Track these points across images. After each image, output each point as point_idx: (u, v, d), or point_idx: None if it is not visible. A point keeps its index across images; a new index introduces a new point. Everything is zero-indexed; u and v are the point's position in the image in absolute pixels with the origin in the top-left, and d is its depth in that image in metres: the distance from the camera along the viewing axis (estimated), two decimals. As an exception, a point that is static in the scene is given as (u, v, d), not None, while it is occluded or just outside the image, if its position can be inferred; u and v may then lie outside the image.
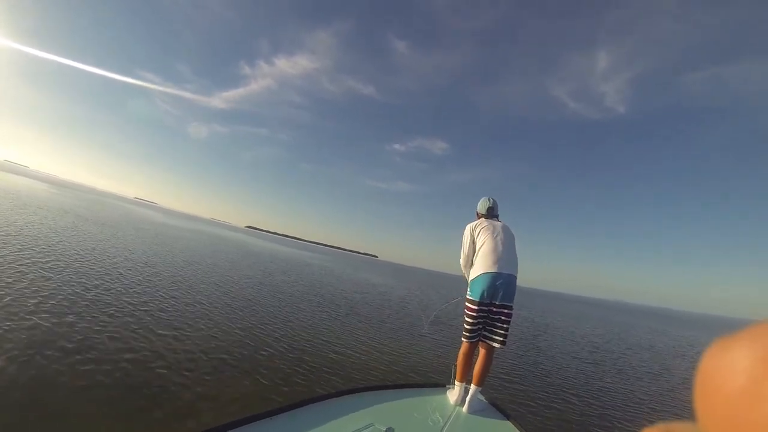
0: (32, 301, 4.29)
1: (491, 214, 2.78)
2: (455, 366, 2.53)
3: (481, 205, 2.87)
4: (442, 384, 2.69)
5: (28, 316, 3.77)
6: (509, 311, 2.34)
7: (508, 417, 2.28)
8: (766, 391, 0.20)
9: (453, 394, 2.42)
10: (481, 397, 2.52)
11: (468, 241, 2.60)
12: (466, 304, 2.44)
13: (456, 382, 2.45)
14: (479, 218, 2.81)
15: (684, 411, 5.30)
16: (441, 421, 2.11)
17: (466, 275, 2.62)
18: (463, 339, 2.47)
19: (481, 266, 2.40)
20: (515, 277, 2.40)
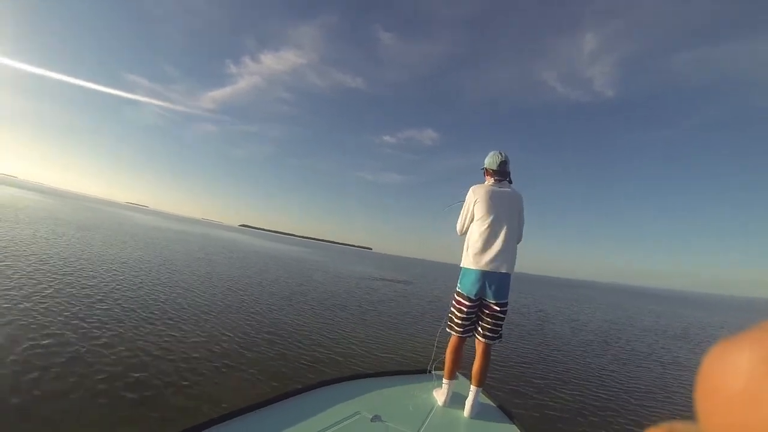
0: (21, 306, 4.23)
1: (502, 171, 2.30)
2: (442, 361, 2.35)
3: (491, 160, 2.33)
4: (427, 370, 2.67)
5: (12, 317, 3.79)
6: (504, 308, 2.16)
7: (512, 419, 2.15)
8: (766, 392, 0.20)
9: (440, 394, 2.21)
10: (486, 399, 2.39)
11: (466, 212, 2.31)
12: (455, 296, 2.26)
13: (444, 380, 2.23)
14: (487, 177, 2.36)
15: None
16: (427, 407, 2.12)
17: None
18: (451, 332, 2.27)
19: (473, 259, 2.16)
20: (510, 276, 2.17)
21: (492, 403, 2.35)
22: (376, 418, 1.83)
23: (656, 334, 11.57)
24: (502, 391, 4.18)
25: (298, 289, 10.31)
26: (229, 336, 4.78)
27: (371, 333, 6.30)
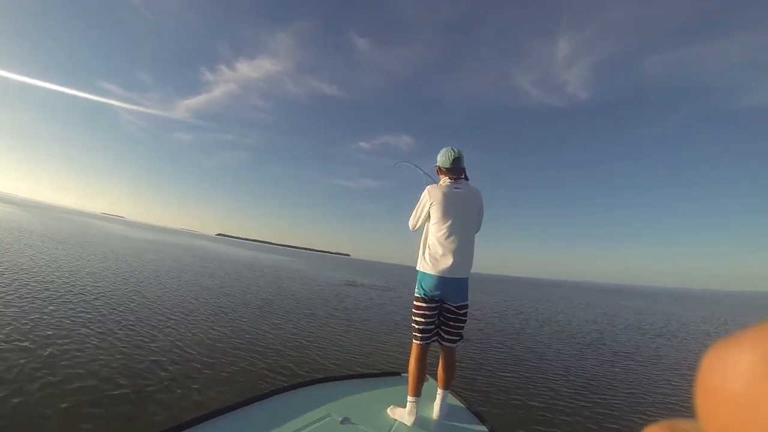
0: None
1: (457, 168, 2.18)
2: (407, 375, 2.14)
3: (444, 158, 2.20)
4: (397, 372, 2.69)
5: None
6: (465, 310, 2.11)
7: (483, 420, 2.13)
8: (766, 392, 0.20)
9: (408, 414, 1.98)
10: (455, 400, 2.36)
11: (421, 211, 2.20)
12: (414, 302, 2.15)
13: (408, 398, 2.00)
14: (442, 176, 2.25)
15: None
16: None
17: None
18: (413, 341, 2.13)
19: (432, 264, 2.08)
20: (467, 279, 2.12)
21: (462, 405, 2.34)
22: (345, 420, 1.83)
23: (637, 331, 11.86)
24: (474, 393, 4.20)
25: (271, 297, 10.30)
26: (197, 343, 4.82)
27: (345, 338, 6.40)
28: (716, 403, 0.20)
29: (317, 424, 1.74)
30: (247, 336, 5.52)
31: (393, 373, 2.70)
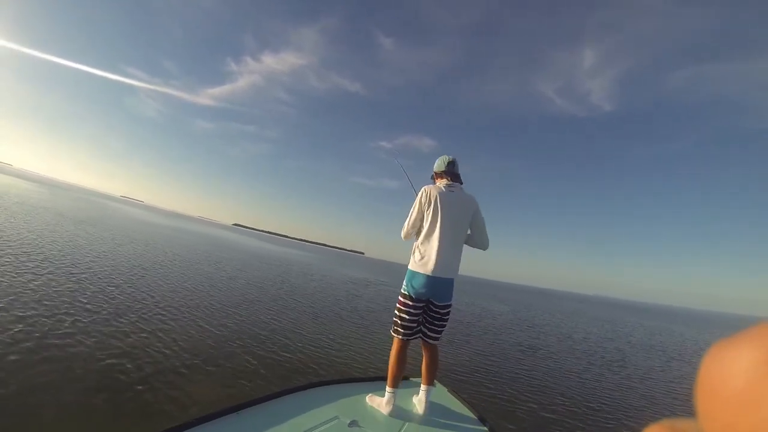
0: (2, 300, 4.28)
1: (452, 172, 2.31)
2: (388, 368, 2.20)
3: (439, 163, 2.36)
4: (406, 377, 2.66)
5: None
6: (448, 309, 2.19)
7: (484, 422, 2.18)
8: (766, 392, 0.20)
9: (386, 404, 2.08)
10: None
11: (415, 214, 2.24)
12: (400, 298, 2.22)
13: (387, 389, 2.11)
14: (438, 180, 2.36)
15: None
16: (404, 413, 2.10)
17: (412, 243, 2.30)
18: (394, 335, 2.21)
19: (420, 263, 2.13)
20: (453, 280, 2.19)
21: (464, 406, 2.35)
22: (353, 423, 1.82)
23: (647, 349, 11.59)
24: (483, 401, 4.21)
25: (284, 293, 10.28)
26: (208, 337, 4.77)
27: (356, 339, 6.32)
28: (716, 402, 0.20)
29: (325, 426, 1.74)
30: (261, 332, 5.44)
31: (402, 377, 2.71)
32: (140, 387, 2.94)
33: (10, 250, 7.17)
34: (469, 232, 2.29)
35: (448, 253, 2.12)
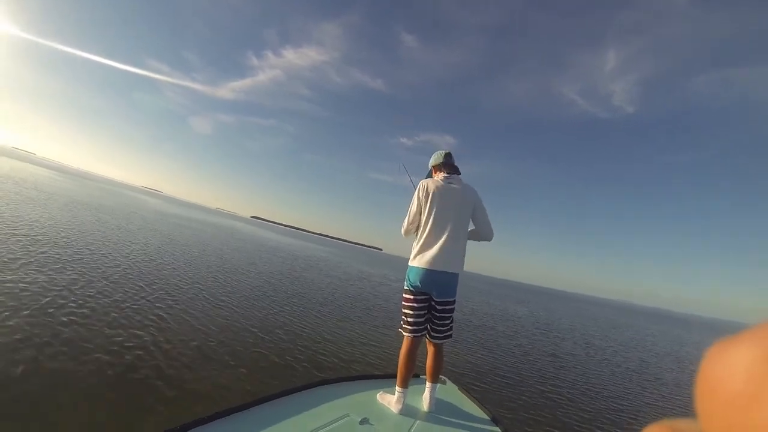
0: (22, 285, 4.24)
1: (449, 163, 2.31)
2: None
3: (436, 156, 2.35)
4: (416, 374, 2.62)
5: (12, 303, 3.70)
6: (451, 305, 2.16)
7: (497, 423, 2.16)
8: (766, 392, 0.19)
9: (396, 402, 2.08)
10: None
11: (415, 209, 2.21)
12: (404, 294, 2.22)
13: (397, 388, 2.10)
14: (436, 173, 2.33)
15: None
16: (415, 411, 2.12)
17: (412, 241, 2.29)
18: (404, 333, 2.18)
19: (421, 257, 2.11)
20: (458, 275, 2.14)
21: (476, 406, 2.36)
22: (364, 421, 1.82)
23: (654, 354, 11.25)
24: (493, 397, 4.08)
25: (300, 287, 10.18)
26: (222, 331, 4.62)
27: (369, 336, 6.14)
28: (717, 402, 0.19)
29: (336, 424, 1.74)
30: (276, 328, 5.27)
31: (413, 375, 2.67)
32: (159, 382, 2.86)
33: (18, 233, 7.23)
34: (472, 226, 2.25)
35: (448, 246, 2.08)
